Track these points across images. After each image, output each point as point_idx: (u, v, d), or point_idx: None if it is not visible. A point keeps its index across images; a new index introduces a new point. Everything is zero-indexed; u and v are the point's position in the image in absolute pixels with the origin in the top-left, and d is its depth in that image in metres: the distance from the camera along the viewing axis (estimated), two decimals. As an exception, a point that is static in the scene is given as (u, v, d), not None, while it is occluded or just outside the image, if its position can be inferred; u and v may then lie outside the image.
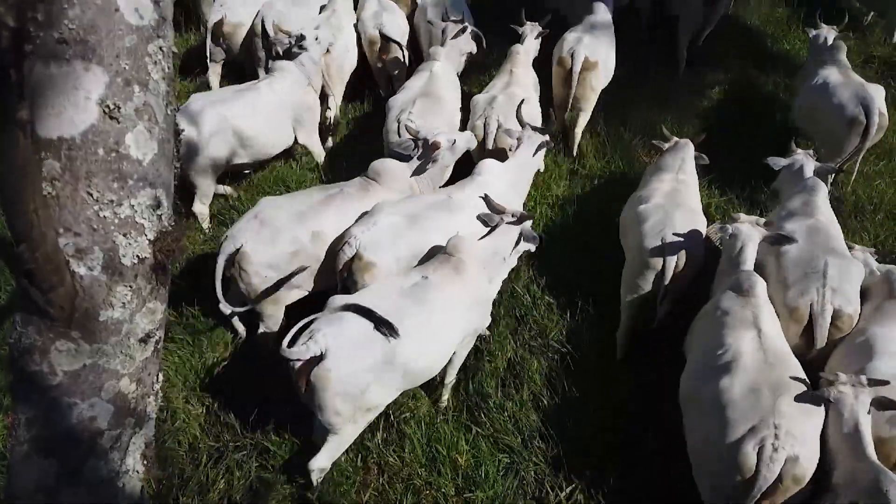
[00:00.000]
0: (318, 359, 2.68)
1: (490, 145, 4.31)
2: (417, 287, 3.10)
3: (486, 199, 3.60)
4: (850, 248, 3.76)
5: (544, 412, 3.58)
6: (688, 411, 2.98)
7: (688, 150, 4.31)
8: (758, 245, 3.35)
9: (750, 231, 3.37)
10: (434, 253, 3.41)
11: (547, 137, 4.29)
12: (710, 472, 2.72)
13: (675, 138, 4.33)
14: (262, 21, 5.61)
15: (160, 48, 1.38)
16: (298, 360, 2.61)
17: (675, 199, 3.97)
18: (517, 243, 3.60)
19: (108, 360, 1.37)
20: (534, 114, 4.71)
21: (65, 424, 1.35)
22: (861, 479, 2.48)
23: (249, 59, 5.94)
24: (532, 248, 3.70)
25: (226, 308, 3.49)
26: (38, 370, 1.31)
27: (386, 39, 5.46)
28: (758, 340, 2.91)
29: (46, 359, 1.31)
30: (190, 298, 4.24)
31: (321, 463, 2.95)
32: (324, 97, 5.32)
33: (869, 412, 2.67)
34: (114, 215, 1.36)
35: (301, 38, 4.98)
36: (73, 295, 1.30)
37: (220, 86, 5.82)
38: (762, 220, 3.48)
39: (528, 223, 3.63)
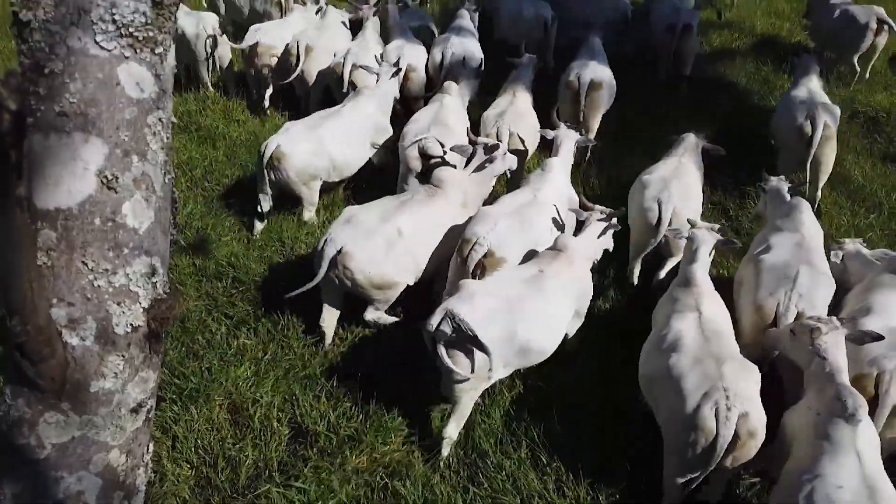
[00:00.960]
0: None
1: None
2: (536, 278, 3.65)
3: (579, 197, 4.52)
4: (840, 242, 4.43)
5: (543, 471, 3.54)
6: (651, 392, 3.41)
7: (689, 140, 5.12)
8: (711, 247, 3.88)
9: (705, 235, 3.88)
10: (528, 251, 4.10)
11: (579, 135, 5.08)
12: (679, 444, 3.07)
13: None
14: (297, 45, 6.71)
15: (160, 119, 1.40)
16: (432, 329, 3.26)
17: (675, 173, 4.72)
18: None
19: (97, 432, 1.34)
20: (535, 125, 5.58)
21: (51, 499, 1.31)
22: (827, 394, 2.92)
23: (279, 79, 6.99)
24: (610, 247, 4.29)
25: (369, 314, 4.31)
26: (25, 443, 1.29)
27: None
28: (698, 321, 3.40)
29: (35, 431, 1.28)
30: (180, 359, 4.21)
31: (451, 433, 3.53)
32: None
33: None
34: (108, 284, 1.35)
35: (382, 66, 5.84)
36: (65, 366, 1.29)
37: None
38: (716, 227, 4.05)
39: (615, 220, 4.23)
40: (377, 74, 5.88)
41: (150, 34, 1.33)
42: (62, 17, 1.25)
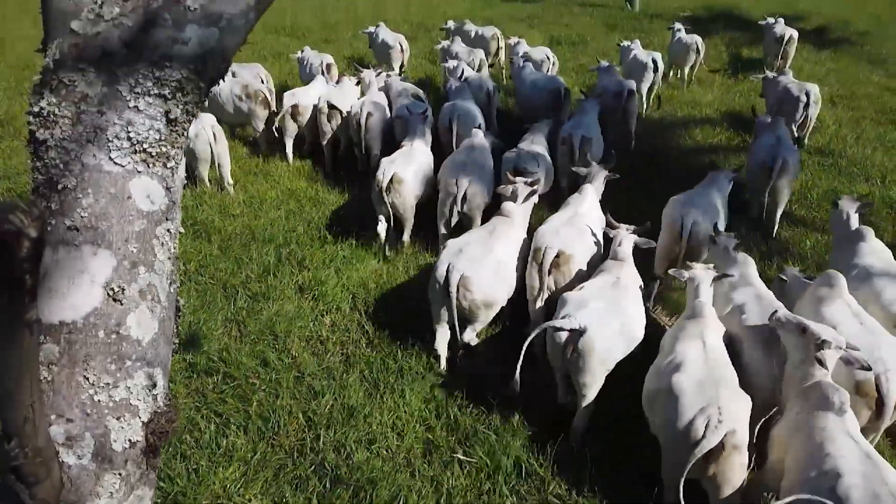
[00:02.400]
0: (580, 332, 4.10)
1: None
2: (616, 285, 4.58)
3: (606, 215, 5.52)
4: (783, 269, 5.37)
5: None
6: (652, 405, 3.88)
7: (714, 174, 6.46)
8: (710, 284, 4.47)
9: (702, 275, 4.51)
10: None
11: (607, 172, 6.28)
12: (672, 449, 3.57)
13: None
14: (325, 101, 8.37)
15: (168, 230, 1.42)
16: (564, 330, 4.12)
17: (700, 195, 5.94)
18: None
19: (89, 556, 1.27)
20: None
21: None
22: (814, 395, 3.38)
23: (310, 131, 8.77)
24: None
25: (467, 334, 5.19)
26: (12, 568, 1.21)
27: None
28: (702, 348, 3.88)
29: (23, 557, 1.21)
30: (166, 460, 4.06)
31: (580, 424, 4.34)
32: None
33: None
34: (108, 398, 1.32)
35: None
36: (59, 488, 1.23)
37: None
38: (711, 266, 4.73)
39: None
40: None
41: (164, 149, 1.36)
42: (79, 135, 1.28)
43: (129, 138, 1.32)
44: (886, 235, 7.15)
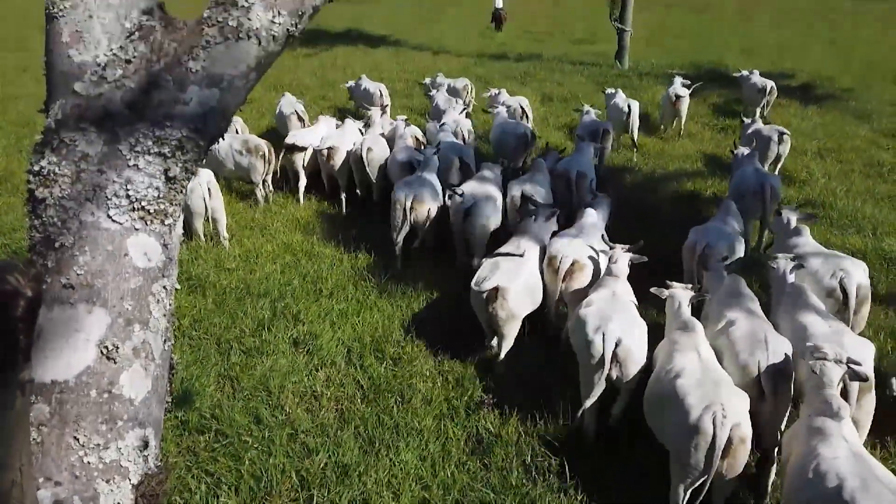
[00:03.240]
0: (617, 344, 4.69)
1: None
2: (616, 297, 5.11)
3: (602, 236, 6.21)
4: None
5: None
6: (657, 413, 4.22)
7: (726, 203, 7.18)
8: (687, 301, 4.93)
9: (682, 293, 4.99)
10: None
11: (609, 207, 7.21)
12: (683, 451, 3.84)
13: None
14: (362, 148, 8.84)
15: (164, 287, 1.41)
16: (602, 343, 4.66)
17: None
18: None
19: None
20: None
21: None
22: (818, 401, 3.82)
23: (341, 173, 9.23)
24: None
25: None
26: None
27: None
28: (697, 357, 4.28)
29: None
30: None
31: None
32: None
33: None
34: (98, 460, 1.29)
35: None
36: (44, 555, 1.19)
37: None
38: (689, 286, 5.16)
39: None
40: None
41: (162, 207, 1.37)
42: (78, 193, 1.29)
43: (128, 196, 1.33)
44: (880, 287, 7.19)
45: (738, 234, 6.57)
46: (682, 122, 12.89)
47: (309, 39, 20.59)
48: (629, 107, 11.22)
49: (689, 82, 13.35)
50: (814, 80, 18.96)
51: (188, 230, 7.83)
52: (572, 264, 5.80)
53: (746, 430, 3.84)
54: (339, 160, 9.08)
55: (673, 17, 38.11)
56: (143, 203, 1.35)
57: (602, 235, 6.20)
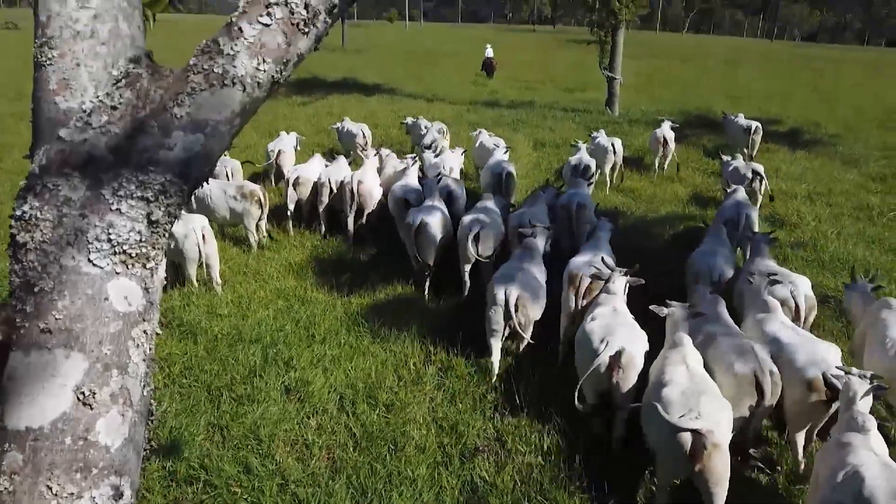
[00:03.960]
0: (620, 353, 5.14)
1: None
2: (616, 312, 5.66)
3: (602, 259, 6.47)
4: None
5: None
6: (647, 420, 4.58)
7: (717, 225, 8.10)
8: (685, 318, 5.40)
9: (680, 311, 5.45)
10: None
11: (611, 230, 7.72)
12: (663, 452, 4.27)
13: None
14: (326, 177, 9.85)
15: (144, 331, 1.40)
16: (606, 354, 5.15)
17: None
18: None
19: None
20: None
21: None
22: (847, 418, 4.06)
23: (310, 201, 10.14)
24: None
25: (498, 351, 6.36)
26: None
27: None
28: (686, 370, 4.62)
29: None
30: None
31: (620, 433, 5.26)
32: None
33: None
34: (71, 511, 1.26)
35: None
36: None
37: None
38: (687, 305, 5.61)
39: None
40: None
41: (144, 251, 1.37)
42: (59, 237, 1.29)
43: (110, 240, 1.33)
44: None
45: (730, 257, 7.37)
46: (668, 161, 13.54)
47: (304, 88, 21.00)
48: (612, 145, 12.14)
49: (677, 124, 14.08)
50: (801, 125, 19.35)
51: (182, 276, 7.81)
52: (591, 282, 6.42)
53: (721, 438, 4.05)
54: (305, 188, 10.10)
55: (661, 66, 39.10)
56: (125, 247, 1.35)
57: (602, 258, 6.51)
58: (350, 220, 9.61)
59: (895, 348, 5.05)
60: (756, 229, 8.19)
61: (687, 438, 4.00)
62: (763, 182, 10.72)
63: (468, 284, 7.92)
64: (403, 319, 7.21)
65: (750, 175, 10.58)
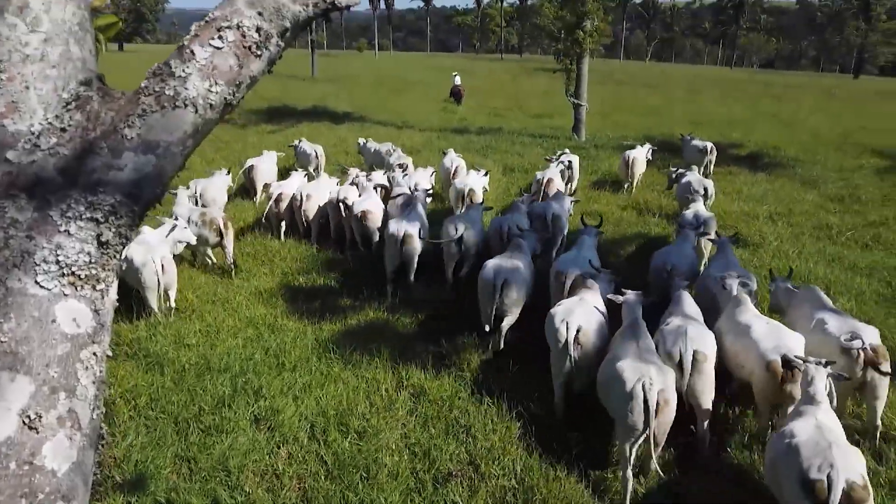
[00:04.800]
0: (578, 329, 5.97)
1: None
2: (583, 300, 6.37)
3: (590, 262, 7.39)
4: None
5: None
6: (606, 392, 5.32)
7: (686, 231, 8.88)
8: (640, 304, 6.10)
9: (633, 298, 6.14)
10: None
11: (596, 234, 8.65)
12: (622, 417, 4.99)
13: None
14: (301, 193, 10.69)
15: (94, 353, 1.38)
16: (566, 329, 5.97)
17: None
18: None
19: None
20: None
21: None
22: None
23: (290, 216, 10.93)
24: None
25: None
26: None
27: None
28: (636, 345, 5.40)
29: None
30: None
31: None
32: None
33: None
34: (15, 539, 1.22)
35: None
36: None
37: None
38: (641, 293, 6.26)
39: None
40: None
41: (93, 272, 1.36)
42: (5, 259, 1.27)
43: (58, 262, 1.32)
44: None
45: (689, 255, 8.14)
46: (636, 182, 14.52)
47: (274, 116, 21.02)
48: (569, 162, 13.51)
49: (655, 147, 15.34)
50: (761, 149, 19.89)
51: (143, 305, 7.69)
52: (575, 280, 7.16)
53: (670, 393, 5.01)
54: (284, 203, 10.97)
55: (626, 93, 40.00)
56: (74, 268, 1.33)
57: (590, 260, 7.38)
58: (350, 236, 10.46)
59: (819, 326, 5.88)
60: (713, 234, 8.91)
61: (639, 393, 4.86)
62: (712, 199, 11.90)
63: (451, 282, 8.85)
64: (375, 345, 7.17)
65: (702, 190, 11.49)
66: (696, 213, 9.75)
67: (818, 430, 4.28)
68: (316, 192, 10.83)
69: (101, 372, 1.41)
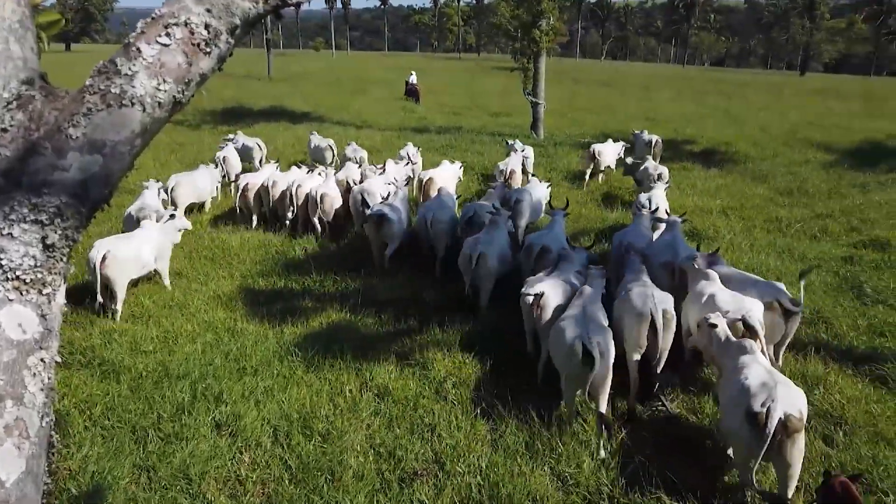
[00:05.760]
0: (539, 296, 6.65)
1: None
2: (555, 272, 7.30)
3: (568, 239, 8.61)
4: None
5: None
6: (553, 346, 6.04)
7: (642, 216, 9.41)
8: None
9: (596, 272, 7.02)
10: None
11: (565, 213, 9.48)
12: (565, 367, 5.78)
13: None
14: (269, 183, 11.42)
15: (42, 360, 1.34)
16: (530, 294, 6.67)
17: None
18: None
19: None
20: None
21: None
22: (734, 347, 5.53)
23: (258, 207, 11.63)
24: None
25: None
26: None
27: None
28: (583, 308, 6.16)
29: None
30: None
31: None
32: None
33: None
34: (-38, 552, 1.18)
35: None
36: None
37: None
38: (603, 267, 7.27)
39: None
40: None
41: (39, 276, 1.32)
42: (-55, 264, 1.23)
43: (1, 266, 1.28)
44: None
45: (644, 234, 8.78)
46: (600, 176, 15.48)
47: (230, 117, 20.67)
48: (524, 150, 14.69)
49: (629, 145, 16.22)
50: (714, 145, 20.39)
51: (100, 312, 7.50)
52: (547, 251, 7.97)
53: (605, 346, 5.64)
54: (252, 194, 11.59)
55: (582, 91, 40.58)
56: (18, 272, 1.29)
57: (567, 239, 8.41)
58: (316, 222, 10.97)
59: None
60: (666, 216, 9.70)
61: (579, 348, 5.54)
62: (665, 179, 12.85)
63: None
64: (338, 346, 7.13)
65: (656, 175, 12.77)
66: (650, 197, 10.62)
67: (769, 373, 4.97)
68: (284, 181, 11.38)
69: (49, 379, 1.37)
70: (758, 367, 5.05)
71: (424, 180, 11.97)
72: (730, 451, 5.27)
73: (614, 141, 16.17)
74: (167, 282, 8.78)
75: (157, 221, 8.79)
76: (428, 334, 7.46)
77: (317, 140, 15.95)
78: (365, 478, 5.19)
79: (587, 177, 15.12)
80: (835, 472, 4.40)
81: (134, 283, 8.38)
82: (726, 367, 5.36)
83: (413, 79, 33.69)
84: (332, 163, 15.21)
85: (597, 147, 15.29)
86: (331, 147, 15.58)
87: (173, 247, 9.04)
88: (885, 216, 12.53)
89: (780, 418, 4.55)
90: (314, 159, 15.44)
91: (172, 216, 9.02)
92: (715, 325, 5.67)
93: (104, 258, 7.62)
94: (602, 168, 15.38)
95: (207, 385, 6.37)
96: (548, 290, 6.73)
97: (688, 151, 19.28)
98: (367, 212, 9.59)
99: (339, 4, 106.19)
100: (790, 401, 4.67)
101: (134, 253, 8.02)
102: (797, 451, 4.61)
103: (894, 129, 24.42)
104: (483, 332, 7.52)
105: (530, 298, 6.62)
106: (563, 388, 5.82)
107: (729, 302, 6.29)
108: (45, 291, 1.34)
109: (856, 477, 4.28)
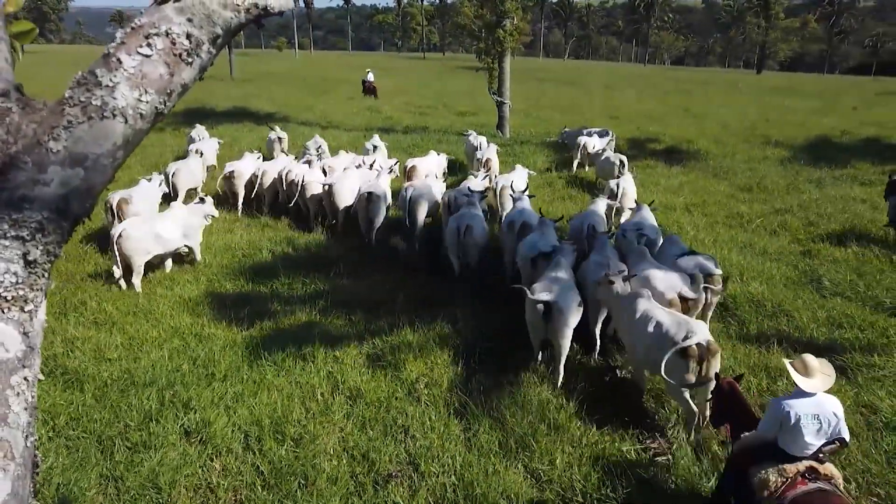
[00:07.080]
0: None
1: None
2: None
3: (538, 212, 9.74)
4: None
5: None
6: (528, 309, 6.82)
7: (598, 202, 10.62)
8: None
9: (566, 248, 7.94)
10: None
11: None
12: (530, 318, 6.78)
13: None
14: (260, 172, 12.46)
15: (25, 378, 1.31)
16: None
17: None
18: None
19: None
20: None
21: None
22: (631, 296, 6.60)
23: (247, 194, 12.53)
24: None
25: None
26: None
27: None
28: (555, 277, 6.98)
29: None
30: None
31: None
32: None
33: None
34: (-54, 578, 1.15)
35: None
36: None
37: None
38: (574, 244, 8.23)
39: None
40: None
41: (21, 293, 1.29)
42: (-77, 283, 1.19)
43: (-18, 283, 1.25)
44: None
45: (601, 217, 9.73)
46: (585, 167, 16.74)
47: (193, 118, 20.27)
48: (479, 143, 15.29)
49: (610, 139, 17.26)
50: (676, 143, 20.78)
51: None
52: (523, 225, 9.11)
53: (564, 306, 6.48)
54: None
55: (546, 90, 40.93)
56: (0, 290, 1.27)
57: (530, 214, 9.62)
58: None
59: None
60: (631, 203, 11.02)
61: (540, 307, 6.44)
62: (626, 168, 13.98)
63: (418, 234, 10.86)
64: (308, 349, 7.07)
65: (618, 162, 13.98)
66: (618, 183, 11.75)
67: (671, 314, 6.00)
68: (272, 169, 12.42)
69: (32, 397, 1.34)
70: (659, 310, 6.02)
71: (408, 167, 12.70)
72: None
73: (605, 136, 17.40)
74: (199, 257, 9.68)
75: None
76: (399, 335, 7.46)
77: (271, 134, 16.69)
78: (339, 481, 5.17)
79: (575, 165, 16.69)
80: (723, 375, 5.10)
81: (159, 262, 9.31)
82: (626, 311, 6.31)
83: (370, 77, 34.85)
84: (284, 151, 15.93)
85: (582, 139, 16.74)
86: (279, 139, 16.17)
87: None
88: (841, 210, 12.94)
89: (703, 344, 5.54)
90: (269, 150, 16.15)
91: (202, 200, 9.88)
92: (612, 282, 6.69)
93: (120, 235, 8.47)
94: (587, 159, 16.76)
95: (175, 392, 6.26)
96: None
97: (651, 150, 19.62)
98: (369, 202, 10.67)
99: (301, 3, 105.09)
100: (701, 330, 5.66)
101: (152, 232, 8.75)
102: (713, 370, 5.45)
103: (847, 126, 25.21)
104: (454, 331, 7.54)
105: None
106: (532, 335, 6.89)
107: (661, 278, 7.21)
108: (27, 308, 1.31)
109: (739, 377, 5.08)
